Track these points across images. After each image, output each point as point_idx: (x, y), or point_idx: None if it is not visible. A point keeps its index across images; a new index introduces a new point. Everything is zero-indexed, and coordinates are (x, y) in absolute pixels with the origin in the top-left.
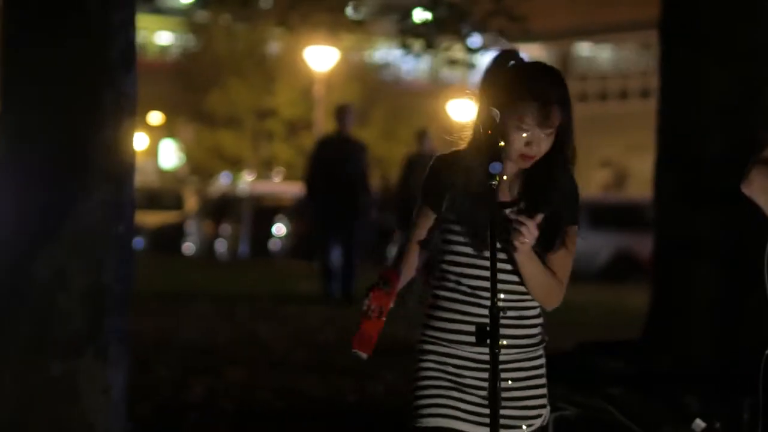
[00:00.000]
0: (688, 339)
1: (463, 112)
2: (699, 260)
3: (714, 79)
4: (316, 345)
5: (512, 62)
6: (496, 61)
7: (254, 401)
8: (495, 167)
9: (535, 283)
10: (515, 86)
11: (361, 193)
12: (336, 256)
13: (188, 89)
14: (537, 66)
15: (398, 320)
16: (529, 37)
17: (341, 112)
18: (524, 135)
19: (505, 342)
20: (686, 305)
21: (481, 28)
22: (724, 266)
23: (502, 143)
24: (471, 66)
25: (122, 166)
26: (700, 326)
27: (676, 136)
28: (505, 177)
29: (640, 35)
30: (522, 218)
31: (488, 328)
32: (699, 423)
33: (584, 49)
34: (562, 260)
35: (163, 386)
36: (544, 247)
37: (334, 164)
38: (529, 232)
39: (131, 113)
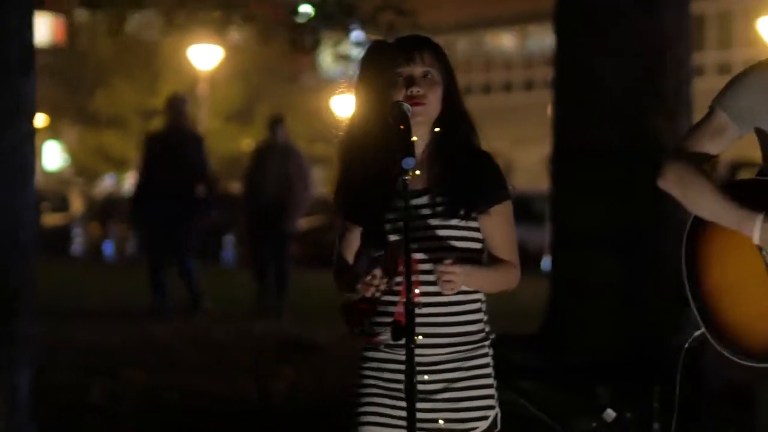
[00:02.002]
0: (587, 329)
1: (345, 107)
2: (596, 251)
3: (608, 70)
4: (214, 344)
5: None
6: (368, 52)
7: (156, 402)
8: (408, 162)
9: (489, 288)
10: (386, 54)
11: (196, 190)
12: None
13: (72, 90)
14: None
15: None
16: (418, 31)
17: (174, 103)
18: (404, 86)
19: (420, 337)
20: (584, 296)
21: (369, 23)
22: (621, 256)
23: (415, 138)
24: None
25: (23, 171)
26: (598, 317)
27: (571, 127)
28: (417, 172)
29: (525, 27)
30: (441, 268)
31: (403, 325)
32: (610, 413)
33: (468, 42)
34: (507, 239)
35: (62, 388)
36: (468, 212)
37: (165, 160)
38: (454, 277)
39: (30, 117)
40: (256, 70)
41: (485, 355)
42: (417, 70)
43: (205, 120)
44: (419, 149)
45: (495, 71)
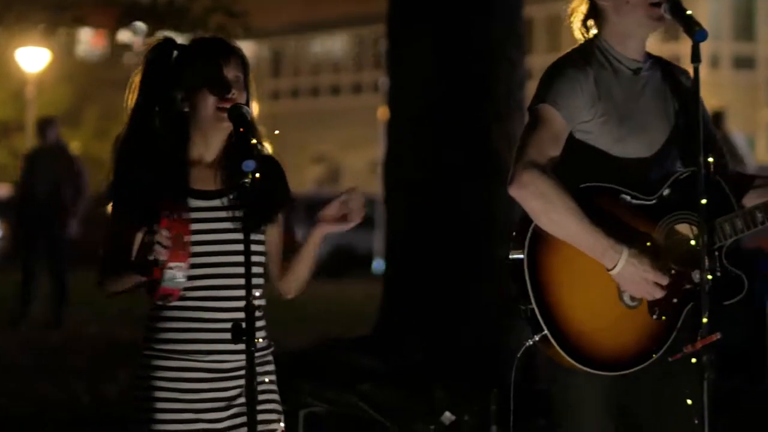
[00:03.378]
0: (422, 332)
1: None
2: (428, 253)
3: (441, 73)
4: (45, 347)
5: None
6: (156, 52)
7: None
8: (248, 165)
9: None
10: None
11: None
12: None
13: None
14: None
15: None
16: (250, 33)
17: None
18: (221, 88)
19: (260, 339)
20: (418, 298)
21: (200, 25)
22: (454, 258)
23: (254, 141)
24: None
25: None
26: (432, 318)
27: (404, 130)
28: (258, 175)
29: (353, 30)
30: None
31: (244, 326)
32: (448, 416)
33: (297, 44)
34: (278, 242)
35: None
36: (265, 223)
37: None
38: None
39: None
40: (84, 72)
41: (271, 362)
42: (230, 73)
43: (33, 122)
44: (217, 151)
45: (323, 74)
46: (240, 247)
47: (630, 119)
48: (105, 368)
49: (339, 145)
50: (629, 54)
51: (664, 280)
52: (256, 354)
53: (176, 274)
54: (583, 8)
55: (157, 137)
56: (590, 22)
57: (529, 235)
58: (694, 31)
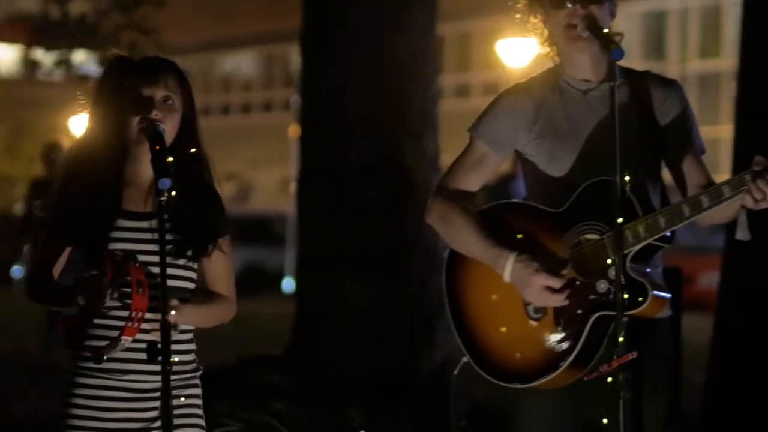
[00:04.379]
0: (335, 351)
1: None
2: (342, 272)
3: (354, 91)
4: None
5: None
6: (110, 68)
7: None
8: (164, 183)
9: (202, 324)
10: (129, 72)
11: None
12: None
13: None
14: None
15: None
16: (161, 50)
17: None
18: (143, 107)
19: (176, 359)
20: (331, 318)
21: (112, 42)
22: (368, 278)
23: (170, 158)
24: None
25: None
26: (346, 338)
27: (318, 147)
28: (174, 193)
29: (264, 48)
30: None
31: (159, 345)
32: None
33: (208, 62)
34: (225, 273)
35: None
36: (197, 254)
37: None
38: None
39: None
40: None
41: (196, 385)
42: (158, 93)
43: None
44: (149, 173)
45: (234, 92)
46: (168, 270)
47: (567, 140)
48: (16, 387)
49: (249, 163)
50: (579, 75)
51: (556, 283)
52: (180, 376)
53: (122, 346)
54: (543, 34)
55: (95, 156)
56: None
57: (446, 258)
58: (611, 49)
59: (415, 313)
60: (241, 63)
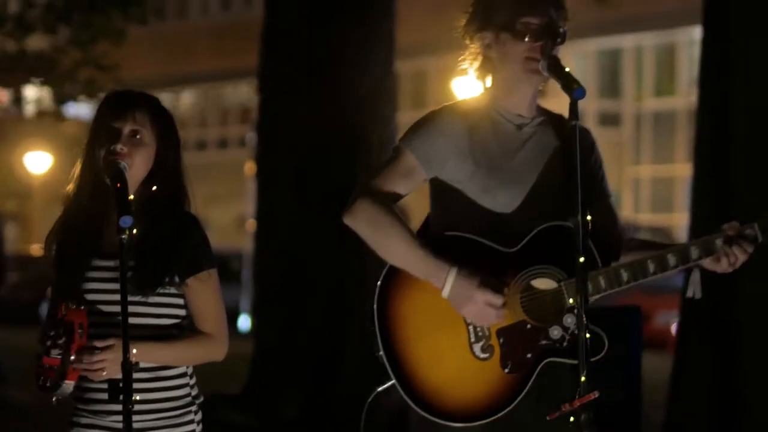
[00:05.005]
0: (294, 387)
1: (39, 163)
2: (300, 309)
3: (313, 127)
4: None
5: None
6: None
7: None
8: (125, 221)
9: (181, 362)
10: (102, 107)
11: None
12: None
13: None
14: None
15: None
16: (119, 85)
17: None
18: (108, 141)
19: (138, 397)
20: (289, 354)
21: (70, 78)
22: (324, 314)
23: (132, 196)
24: (60, 116)
25: None
26: (303, 374)
27: (276, 185)
28: (135, 231)
29: (221, 85)
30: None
31: (121, 384)
32: None
33: (165, 98)
34: (208, 310)
35: None
36: (152, 288)
37: None
38: (103, 364)
39: None
40: None
41: (191, 421)
42: (126, 127)
43: None
44: None
45: (190, 129)
46: (137, 308)
47: (502, 172)
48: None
49: (205, 200)
50: (514, 109)
51: (499, 300)
52: (170, 413)
53: (66, 389)
54: (479, 58)
55: (78, 195)
56: (486, 74)
57: (380, 282)
58: (573, 88)
59: (372, 352)
60: (197, 99)
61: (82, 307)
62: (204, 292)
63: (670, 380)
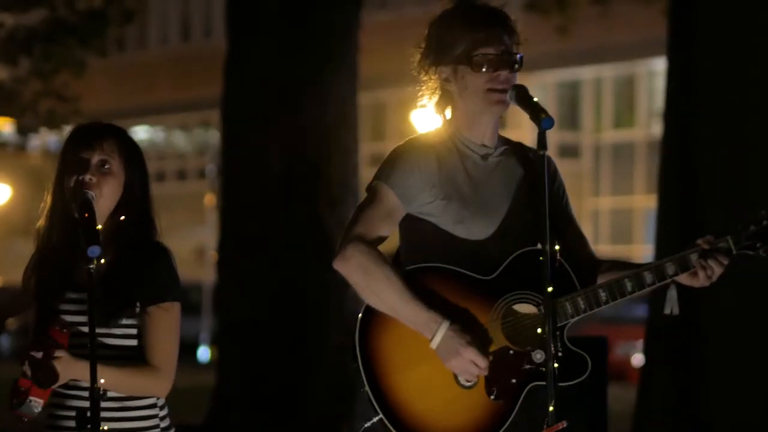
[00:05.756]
0: (256, 420)
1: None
2: (261, 339)
3: (274, 159)
4: None
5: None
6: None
7: None
8: (93, 251)
9: (122, 391)
10: (71, 138)
11: None
12: None
13: None
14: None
15: None
16: (79, 117)
17: None
18: (76, 171)
19: (106, 427)
20: (251, 386)
21: (30, 109)
22: (286, 346)
23: (99, 226)
24: (22, 148)
25: None
26: (266, 406)
27: (237, 216)
28: (103, 260)
29: (180, 116)
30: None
31: (89, 413)
32: None
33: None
34: (157, 343)
35: None
36: (113, 318)
37: None
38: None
39: None
40: None
41: None
42: (95, 157)
43: None
44: None
45: (149, 160)
46: (102, 339)
47: (473, 202)
48: None
49: (163, 230)
50: (477, 139)
51: (483, 362)
52: None
53: (33, 407)
54: (438, 92)
55: (49, 227)
56: (445, 107)
57: (360, 316)
58: (540, 119)
59: (336, 382)
60: (157, 131)
61: (65, 330)
62: (162, 323)
63: (634, 411)
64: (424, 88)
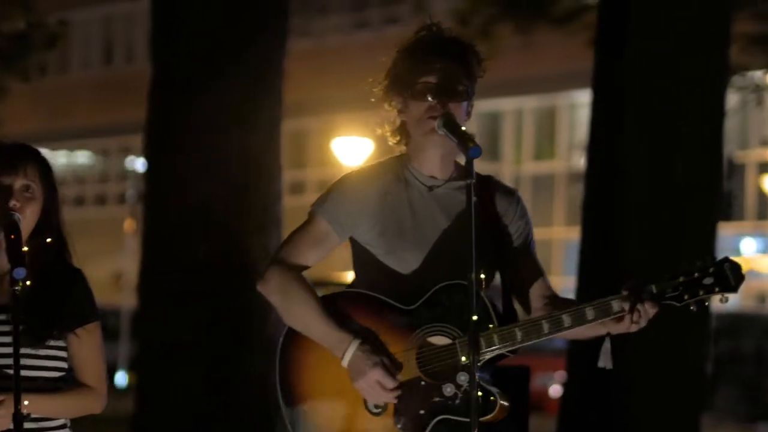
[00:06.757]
0: None
1: None
2: (182, 364)
3: (199, 184)
4: None
5: None
6: None
7: None
8: (18, 273)
9: (62, 415)
10: None
11: None
12: None
13: None
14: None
15: None
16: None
17: None
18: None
19: None
20: (170, 410)
21: None
22: (208, 370)
23: (26, 248)
24: None
25: None
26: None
27: (161, 240)
28: (28, 282)
29: (100, 141)
30: None
31: None
32: None
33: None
34: (90, 362)
35: None
36: (42, 340)
37: None
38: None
39: None
40: None
41: None
42: (18, 182)
43: None
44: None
45: (68, 185)
46: (28, 360)
47: (410, 233)
48: None
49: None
50: (426, 170)
51: (389, 383)
52: None
53: None
54: (395, 124)
55: None
56: (399, 137)
57: (281, 339)
58: (468, 147)
59: (256, 406)
60: (77, 155)
61: None
62: (89, 344)
63: None
64: (382, 119)
